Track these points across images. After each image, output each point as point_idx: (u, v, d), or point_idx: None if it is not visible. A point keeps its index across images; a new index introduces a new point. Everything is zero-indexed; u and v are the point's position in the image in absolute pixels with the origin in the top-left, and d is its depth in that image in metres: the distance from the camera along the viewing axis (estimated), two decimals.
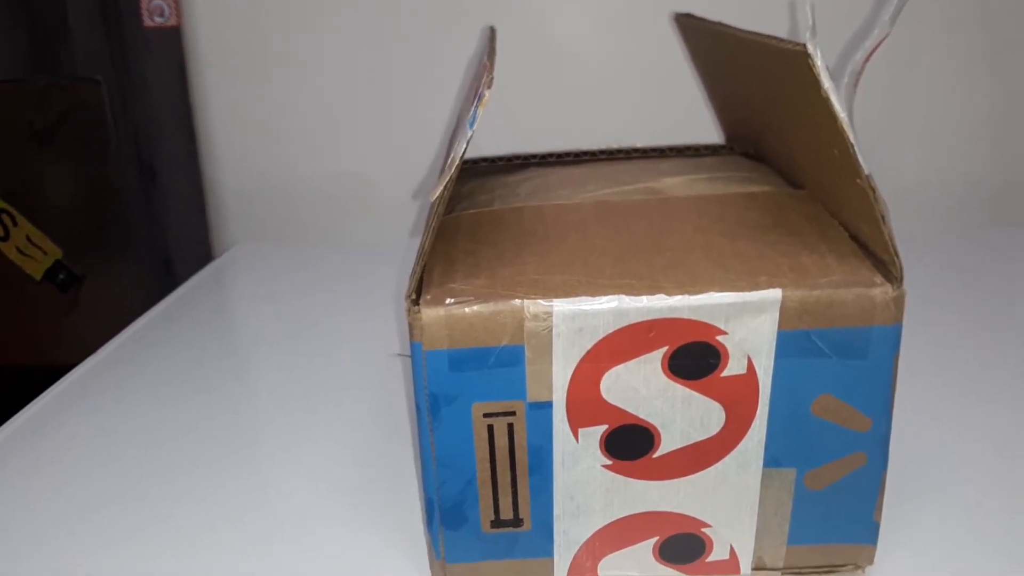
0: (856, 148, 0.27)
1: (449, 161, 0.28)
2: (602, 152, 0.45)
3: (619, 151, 0.45)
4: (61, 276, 0.82)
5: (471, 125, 0.27)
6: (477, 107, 0.27)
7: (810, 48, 0.27)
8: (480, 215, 0.36)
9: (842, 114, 0.27)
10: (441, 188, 0.28)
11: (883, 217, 0.28)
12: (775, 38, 0.30)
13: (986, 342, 0.54)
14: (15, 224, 0.81)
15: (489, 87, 0.27)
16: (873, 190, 0.28)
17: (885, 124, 0.76)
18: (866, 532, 0.33)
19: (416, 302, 0.30)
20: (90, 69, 0.76)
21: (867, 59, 0.35)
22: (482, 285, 0.30)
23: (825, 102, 0.27)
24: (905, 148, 0.77)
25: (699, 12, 0.52)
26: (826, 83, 0.27)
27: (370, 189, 0.81)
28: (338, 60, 0.77)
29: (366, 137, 0.80)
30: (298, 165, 0.81)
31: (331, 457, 0.44)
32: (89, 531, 0.39)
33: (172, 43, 0.76)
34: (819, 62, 0.27)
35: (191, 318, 0.63)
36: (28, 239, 0.81)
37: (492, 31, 0.42)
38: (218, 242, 0.84)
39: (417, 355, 0.30)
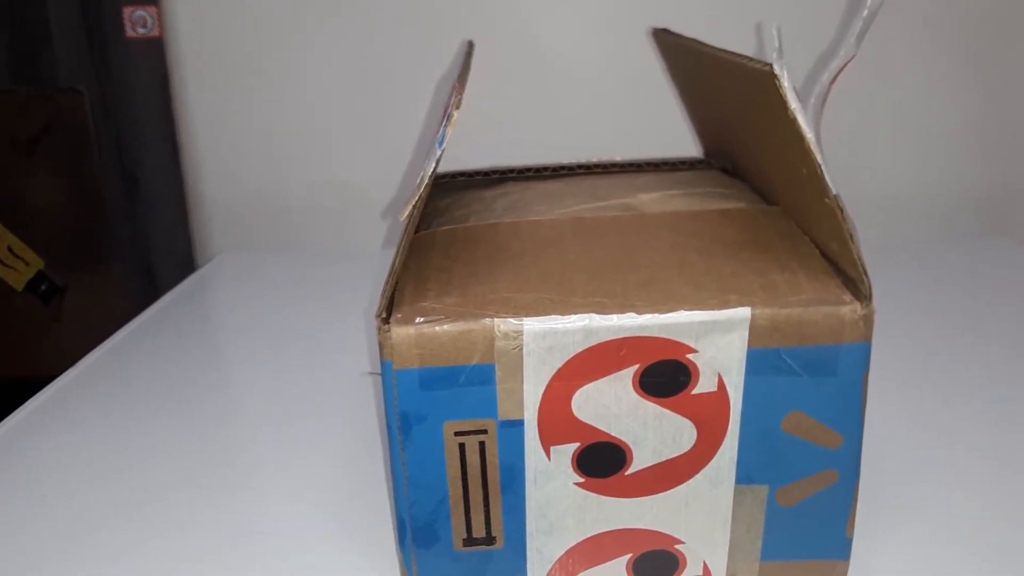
0: (823, 168, 0.28)
1: (419, 181, 0.28)
2: (580, 166, 0.45)
3: (597, 165, 0.45)
4: (43, 287, 0.82)
5: (440, 144, 0.28)
6: (446, 127, 0.27)
7: (777, 69, 0.27)
8: (455, 231, 0.36)
9: (809, 134, 0.27)
10: (410, 208, 0.28)
11: (851, 236, 0.28)
12: (745, 57, 0.31)
13: (969, 350, 0.54)
14: None
15: (458, 107, 0.27)
16: (841, 209, 0.28)
17: (873, 131, 0.77)
18: (838, 548, 0.33)
19: (387, 320, 0.29)
20: (72, 79, 0.76)
21: (833, 80, 0.35)
22: (453, 303, 0.30)
23: (792, 123, 0.27)
24: (892, 156, 0.77)
25: (678, 27, 0.53)
26: (793, 104, 0.27)
27: (354, 198, 0.81)
28: (320, 69, 0.77)
29: (349, 146, 0.80)
30: (281, 174, 0.81)
31: (311, 472, 0.44)
32: (71, 547, 0.38)
33: (155, 54, 0.76)
34: (786, 83, 0.27)
35: (174, 328, 0.63)
36: (10, 250, 0.81)
37: (470, 46, 0.42)
38: (201, 252, 0.84)
39: (387, 373, 0.30)
